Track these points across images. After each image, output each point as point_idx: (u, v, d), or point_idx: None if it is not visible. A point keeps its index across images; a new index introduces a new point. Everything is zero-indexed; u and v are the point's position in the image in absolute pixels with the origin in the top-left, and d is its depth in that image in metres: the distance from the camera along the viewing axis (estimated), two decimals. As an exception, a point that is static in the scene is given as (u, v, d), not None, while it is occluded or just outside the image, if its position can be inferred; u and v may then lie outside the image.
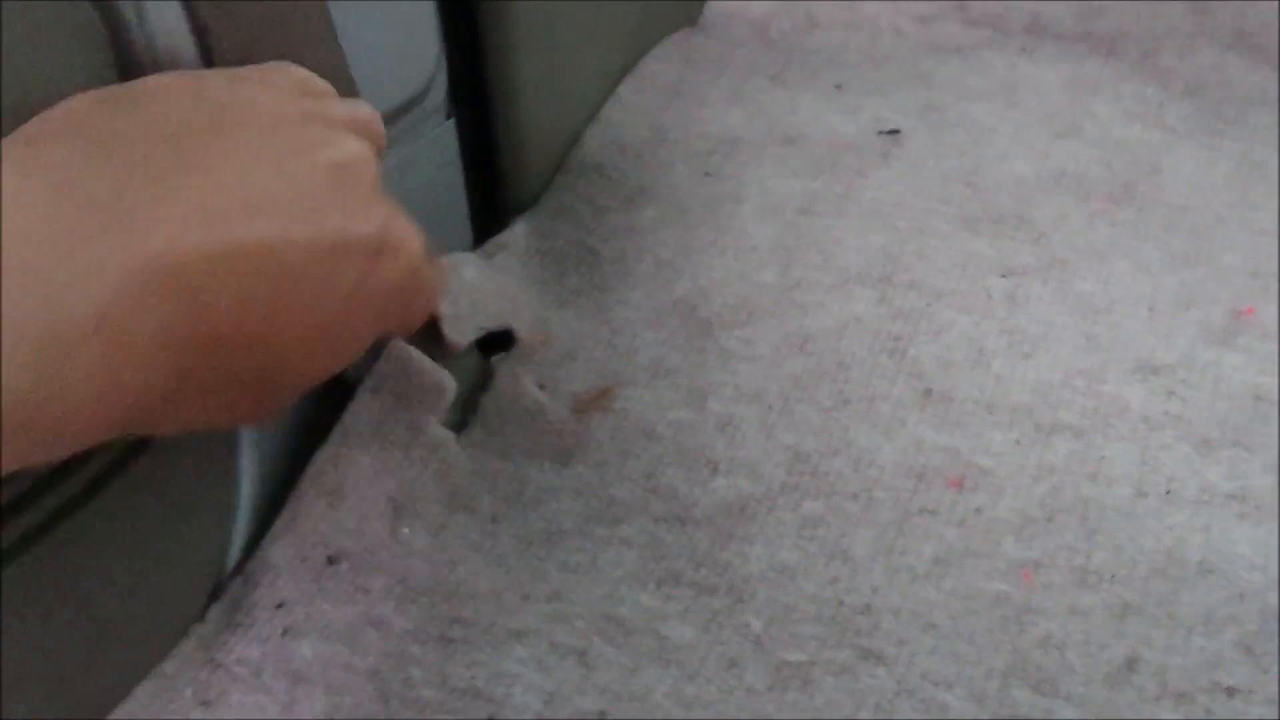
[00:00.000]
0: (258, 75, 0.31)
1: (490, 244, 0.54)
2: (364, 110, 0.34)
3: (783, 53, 0.69)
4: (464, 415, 0.48)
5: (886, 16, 0.72)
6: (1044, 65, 0.66)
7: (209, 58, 0.36)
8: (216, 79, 0.31)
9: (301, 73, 0.33)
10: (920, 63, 0.67)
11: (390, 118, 0.45)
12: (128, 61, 0.34)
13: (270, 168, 0.28)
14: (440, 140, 0.49)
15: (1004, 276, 0.52)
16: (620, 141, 0.61)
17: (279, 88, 0.31)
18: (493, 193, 0.56)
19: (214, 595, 0.42)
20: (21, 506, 0.32)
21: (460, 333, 0.47)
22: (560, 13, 0.56)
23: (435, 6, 0.47)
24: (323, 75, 0.35)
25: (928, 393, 0.47)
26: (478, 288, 0.50)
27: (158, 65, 0.34)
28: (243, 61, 0.35)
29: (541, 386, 0.49)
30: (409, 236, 0.33)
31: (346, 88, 0.42)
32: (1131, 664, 0.36)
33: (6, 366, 0.22)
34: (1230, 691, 0.35)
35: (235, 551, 0.42)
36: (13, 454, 0.23)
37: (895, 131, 0.61)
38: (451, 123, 0.50)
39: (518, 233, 0.56)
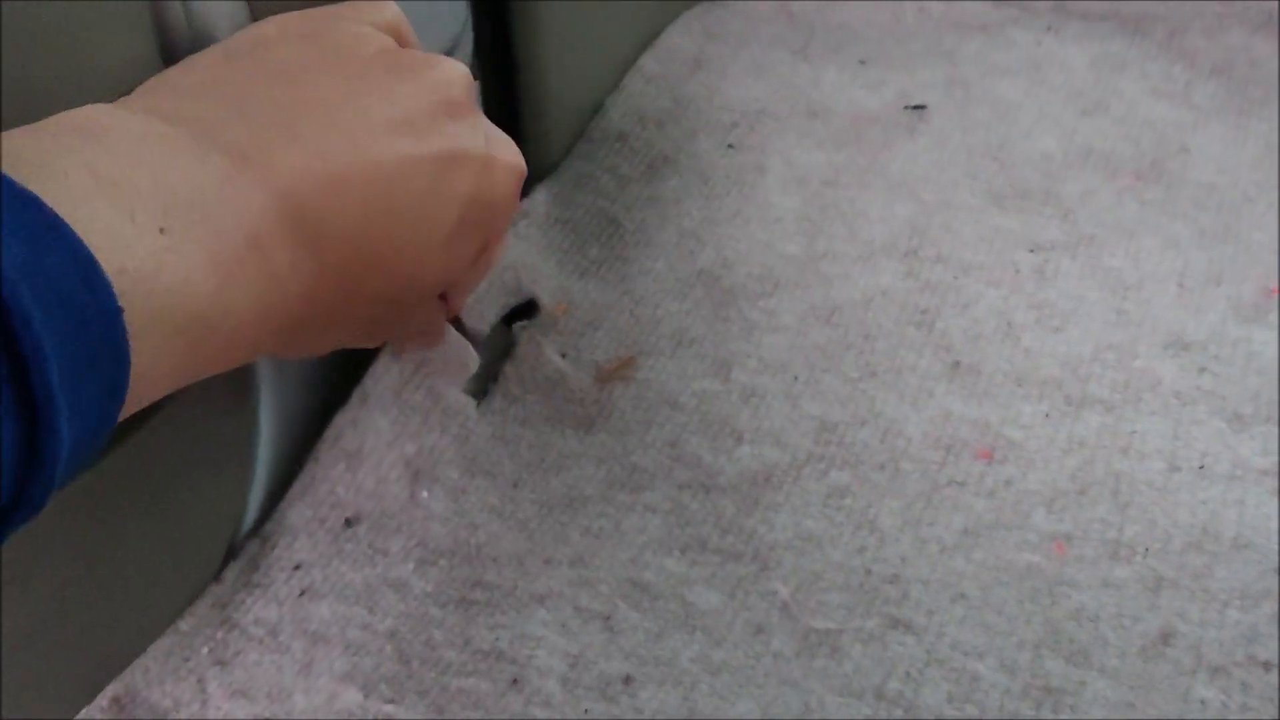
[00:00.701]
0: (354, 13, 0.33)
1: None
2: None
3: (805, 27, 0.69)
4: (485, 383, 0.47)
5: (910, -7, 0.71)
6: (1070, 43, 0.66)
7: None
8: (321, 19, 0.33)
9: (392, 9, 0.35)
10: (945, 39, 0.66)
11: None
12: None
13: (379, 96, 0.30)
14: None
15: (1032, 251, 0.51)
16: (643, 111, 0.61)
17: (376, 23, 0.33)
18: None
19: (230, 555, 0.41)
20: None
21: (481, 319, 0.47)
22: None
23: (462, -33, 0.47)
24: None
25: (956, 365, 0.46)
26: (499, 261, 0.49)
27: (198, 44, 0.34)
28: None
29: (564, 355, 0.48)
30: (508, 149, 0.34)
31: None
32: (1166, 637, 0.36)
33: (188, 280, 0.25)
34: (1267, 666, 0.35)
35: (252, 512, 0.42)
36: (190, 365, 0.26)
37: (921, 107, 0.60)
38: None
39: (538, 200, 0.55)
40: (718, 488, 0.42)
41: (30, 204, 0.23)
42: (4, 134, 0.26)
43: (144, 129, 0.27)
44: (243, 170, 0.28)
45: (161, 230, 0.25)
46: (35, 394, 0.22)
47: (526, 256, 0.51)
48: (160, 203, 0.26)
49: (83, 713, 0.36)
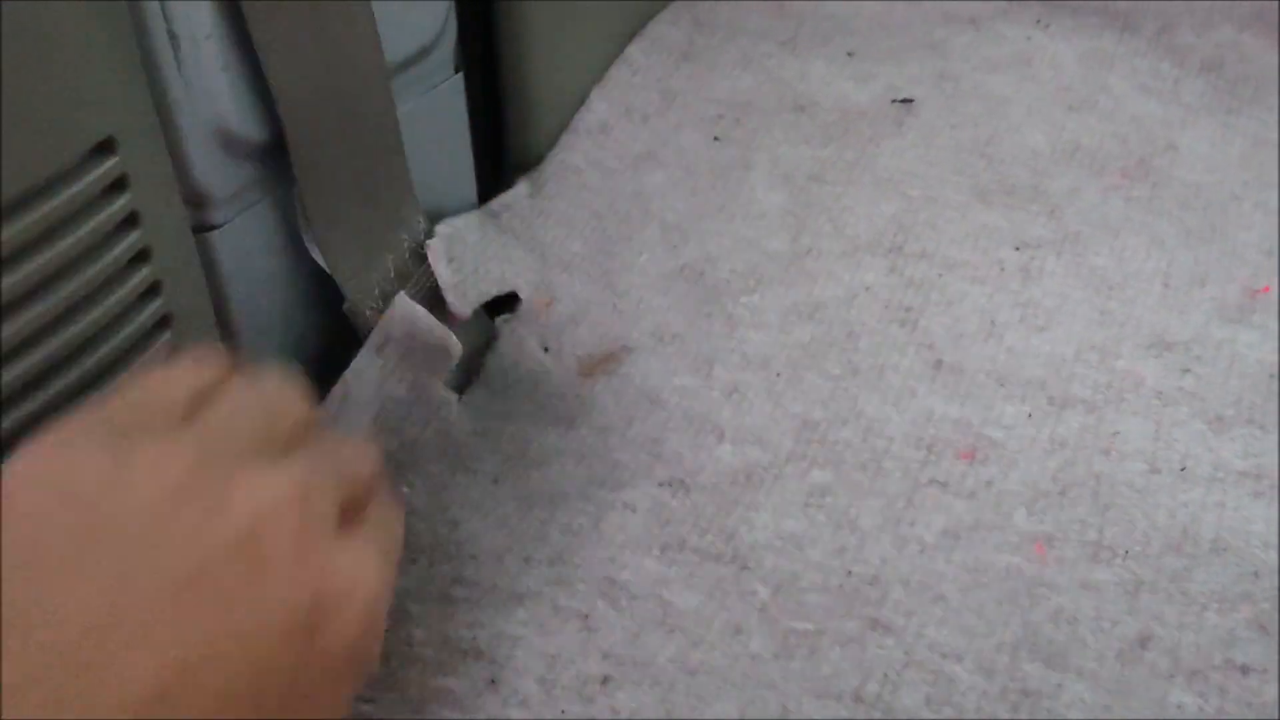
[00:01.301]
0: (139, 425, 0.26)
1: (495, 203, 0.53)
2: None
3: (794, 18, 0.68)
4: (467, 376, 0.47)
5: (901, -15, 0.71)
6: (1059, 38, 0.65)
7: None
8: (90, 456, 0.25)
9: (189, 379, 0.28)
10: (934, 32, 0.66)
11: (401, 67, 0.44)
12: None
13: (151, 577, 0.24)
14: (448, 93, 0.48)
15: (1017, 249, 0.51)
16: (628, 103, 0.60)
17: (162, 438, 0.26)
18: (498, 152, 0.55)
19: None
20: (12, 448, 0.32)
21: (465, 302, 0.46)
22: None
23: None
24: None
25: (939, 364, 0.46)
26: (481, 251, 0.49)
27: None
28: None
29: (546, 349, 0.48)
30: (347, 578, 0.27)
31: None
32: (1144, 641, 0.36)
33: None
34: (1244, 669, 0.35)
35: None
36: None
37: (909, 100, 0.60)
38: (460, 76, 0.49)
39: (521, 193, 0.55)
40: (698, 486, 0.42)
41: None
42: None
43: None
44: None
45: None
46: None
47: (509, 249, 0.50)
48: None
49: None
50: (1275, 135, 0.58)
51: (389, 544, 0.30)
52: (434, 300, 0.46)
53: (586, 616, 0.37)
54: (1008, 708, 0.34)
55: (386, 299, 0.43)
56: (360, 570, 0.27)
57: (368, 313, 0.43)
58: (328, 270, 0.41)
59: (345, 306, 0.42)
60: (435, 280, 0.46)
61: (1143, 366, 0.45)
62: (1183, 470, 0.41)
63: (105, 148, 0.33)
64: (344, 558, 0.27)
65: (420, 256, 0.46)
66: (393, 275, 0.44)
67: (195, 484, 0.25)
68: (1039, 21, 0.67)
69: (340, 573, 0.26)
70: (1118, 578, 0.38)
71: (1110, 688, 0.35)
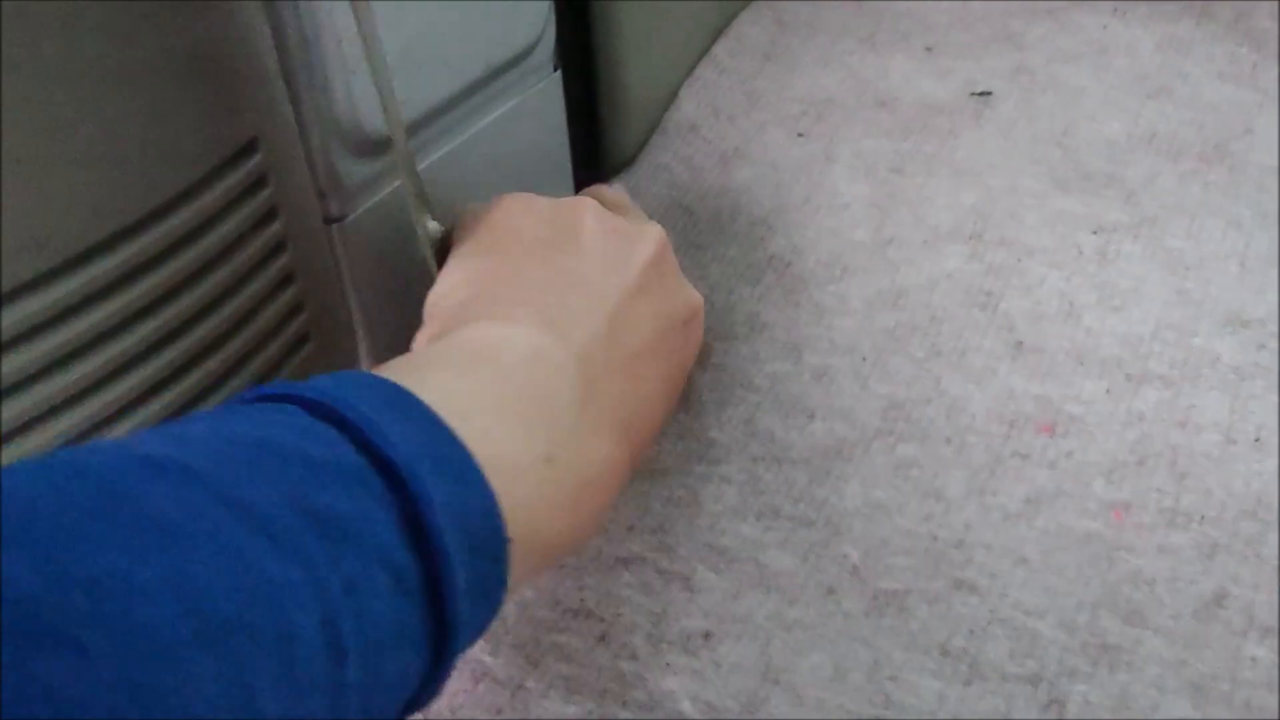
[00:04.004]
0: (573, 203, 0.40)
1: None
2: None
3: (873, 15, 0.71)
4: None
5: (978, -21, 0.72)
6: (1135, 25, 0.67)
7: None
8: (550, 205, 0.40)
9: (603, 196, 0.42)
10: (1010, 24, 0.68)
11: (505, 66, 0.47)
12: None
13: (609, 274, 0.37)
14: (547, 92, 0.51)
15: (1095, 233, 0.53)
16: (715, 103, 0.63)
17: (591, 210, 0.39)
18: (593, 152, 0.58)
19: None
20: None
21: None
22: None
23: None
24: None
25: (1019, 345, 0.48)
26: None
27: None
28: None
29: (642, 336, 0.51)
30: (696, 298, 0.40)
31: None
32: (1219, 599, 0.38)
33: (557, 512, 0.31)
34: (1317, 626, 0.36)
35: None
36: (528, 579, 0.31)
37: (987, 93, 0.62)
38: (558, 74, 0.52)
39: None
40: (790, 460, 0.44)
41: (447, 440, 0.27)
42: (405, 358, 0.31)
43: (528, 348, 0.32)
44: (590, 396, 0.33)
45: (548, 460, 0.29)
46: (446, 626, 0.25)
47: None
48: (547, 433, 0.30)
49: None
50: (1354, 117, 0.59)
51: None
52: None
53: (688, 579, 0.40)
54: (1088, 661, 0.36)
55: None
56: (697, 297, 0.41)
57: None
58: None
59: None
60: None
61: (1218, 343, 0.47)
62: (1257, 440, 0.43)
63: (250, 148, 0.36)
64: (688, 288, 0.40)
65: None
66: None
67: (616, 231, 0.39)
68: (1115, 10, 0.68)
69: (691, 295, 0.40)
70: (1193, 541, 0.40)
71: (1186, 642, 0.37)
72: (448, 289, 0.37)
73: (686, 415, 0.47)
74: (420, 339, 0.37)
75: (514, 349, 0.32)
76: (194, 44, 0.33)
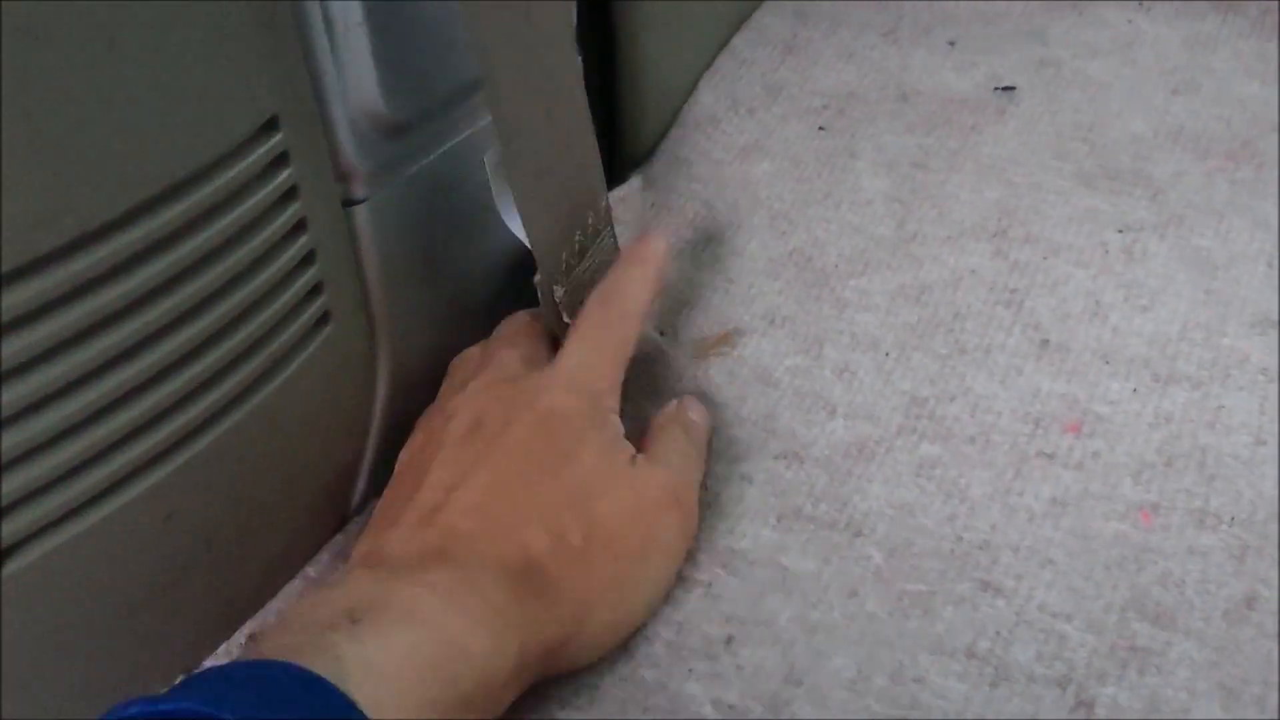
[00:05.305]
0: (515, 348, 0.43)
1: (610, 196, 0.56)
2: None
3: (895, 9, 0.70)
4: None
5: (999, -28, 0.71)
6: (1161, 22, 0.66)
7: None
8: (507, 390, 0.41)
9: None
10: (1034, 19, 0.67)
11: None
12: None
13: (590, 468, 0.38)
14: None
15: (1121, 232, 0.52)
16: (734, 95, 0.62)
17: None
18: (613, 144, 0.58)
19: (354, 511, 0.45)
20: (182, 406, 0.35)
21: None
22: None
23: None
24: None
25: (1045, 343, 0.47)
26: (591, 269, 0.51)
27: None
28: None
29: (661, 333, 0.50)
30: (685, 486, 0.41)
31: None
32: (1250, 601, 0.37)
33: None
34: (1350, 632, 0.36)
35: (364, 479, 0.45)
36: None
37: (1011, 88, 0.61)
38: (579, 60, 0.51)
39: (635, 186, 0.57)
40: (811, 459, 0.44)
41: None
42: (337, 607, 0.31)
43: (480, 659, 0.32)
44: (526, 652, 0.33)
45: None
46: None
47: (621, 239, 0.53)
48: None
49: (222, 647, 0.40)
50: (1383, 114, 0.58)
51: None
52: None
53: (709, 585, 0.40)
54: (1117, 664, 0.36)
55: (570, 273, 0.45)
56: (685, 480, 0.42)
57: (555, 288, 0.45)
58: (527, 243, 0.43)
59: (536, 280, 0.44)
60: (607, 257, 0.48)
61: (1248, 344, 0.46)
62: None
63: (271, 126, 0.36)
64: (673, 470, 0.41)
65: (598, 232, 0.48)
66: (576, 250, 0.46)
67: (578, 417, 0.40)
68: (1141, 5, 0.67)
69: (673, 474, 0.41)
70: (1223, 543, 0.39)
71: (1217, 645, 0.36)
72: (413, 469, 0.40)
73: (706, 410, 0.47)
74: (366, 545, 0.38)
75: (468, 661, 0.32)
76: (215, 20, 0.33)
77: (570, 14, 0.46)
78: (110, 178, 0.31)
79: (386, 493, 0.40)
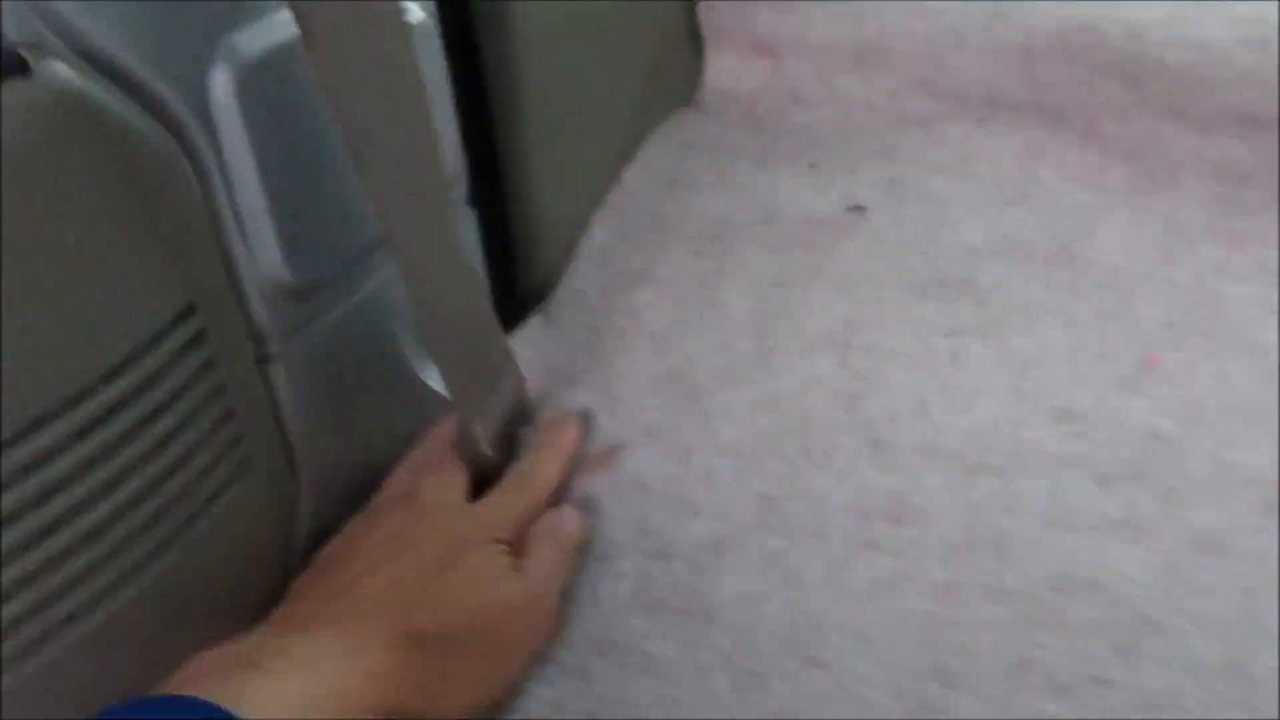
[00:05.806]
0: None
1: (515, 337, 0.63)
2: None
3: (769, 133, 0.78)
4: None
5: (860, 91, 0.80)
6: (998, 135, 0.74)
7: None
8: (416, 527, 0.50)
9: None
10: (886, 137, 0.75)
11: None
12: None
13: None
14: (464, 228, 0.58)
15: (947, 337, 0.60)
16: (624, 229, 0.71)
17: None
18: (511, 283, 0.66)
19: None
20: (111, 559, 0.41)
21: (490, 444, 0.56)
22: (566, 102, 0.65)
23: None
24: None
25: (876, 442, 0.55)
26: (502, 402, 0.58)
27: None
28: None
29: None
30: (547, 595, 0.49)
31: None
32: (1025, 664, 0.45)
33: None
34: (1105, 684, 0.43)
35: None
36: None
37: (861, 208, 0.70)
38: (471, 212, 0.59)
39: (534, 325, 0.65)
40: (676, 555, 0.52)
41: None
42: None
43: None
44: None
45: None
46: None
47: (525, 371, 0.61)
48: None
49: None
50: (1184, 216, 0.67)
51: None
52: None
53: (584, 670, 0.47)
54: (912, 723, 0.43)
55: (484, 407, 0.54)
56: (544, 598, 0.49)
57: (473, 426, 0.53)
58: (444, 392, 0.52)
59: (455, 419, 0.53)
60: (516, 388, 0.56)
61: (1045, 434, 0.54)
62: (1070, 523, 0.50)
63: (188, 311, 0.41)
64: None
65: (502, 367, 0.56)
66: (486, 385, 0.54)
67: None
68: (980, 120, 0.76)
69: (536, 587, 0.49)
70: (1010, 615, 0.47)
71: (997, 703, 0.44)
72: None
73: (589, 517, 0.54)
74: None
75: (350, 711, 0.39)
76: (137, 226, 0.38)
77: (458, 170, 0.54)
78: (32, 378, 0.36)
79: (303, 577, 0.49)
